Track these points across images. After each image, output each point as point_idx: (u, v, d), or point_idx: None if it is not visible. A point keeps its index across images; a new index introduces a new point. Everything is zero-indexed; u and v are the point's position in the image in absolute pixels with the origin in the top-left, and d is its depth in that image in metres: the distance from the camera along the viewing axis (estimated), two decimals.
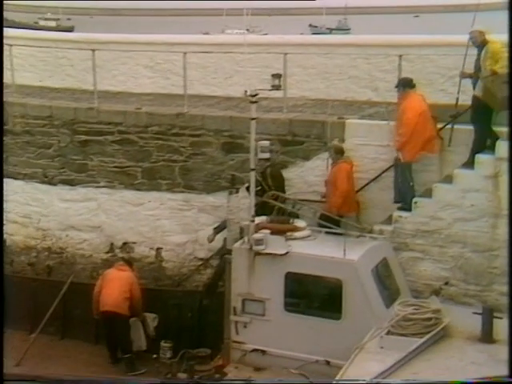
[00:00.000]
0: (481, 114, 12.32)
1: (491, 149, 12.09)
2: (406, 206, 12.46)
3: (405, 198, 12.61)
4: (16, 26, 68.66)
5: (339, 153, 13.01)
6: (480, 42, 12.49)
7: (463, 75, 12.71)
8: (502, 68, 11.94)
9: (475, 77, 12.48)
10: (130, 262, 14.05)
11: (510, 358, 4.41)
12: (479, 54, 12.47)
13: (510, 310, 7.58)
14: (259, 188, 12.55)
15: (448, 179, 12.43)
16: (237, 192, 13.12)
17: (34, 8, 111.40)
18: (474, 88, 12.51)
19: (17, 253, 16.37)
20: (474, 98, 12.40)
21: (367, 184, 13.19)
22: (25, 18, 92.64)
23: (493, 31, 12.69)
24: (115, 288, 13.26)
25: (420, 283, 12.35)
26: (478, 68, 12.47)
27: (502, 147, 11.62)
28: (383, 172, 13.05)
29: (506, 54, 11.82)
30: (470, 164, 12.25)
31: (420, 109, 12.54)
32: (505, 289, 11.77)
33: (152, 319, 13.58)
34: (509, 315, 7.24)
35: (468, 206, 12.04)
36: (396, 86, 13.07)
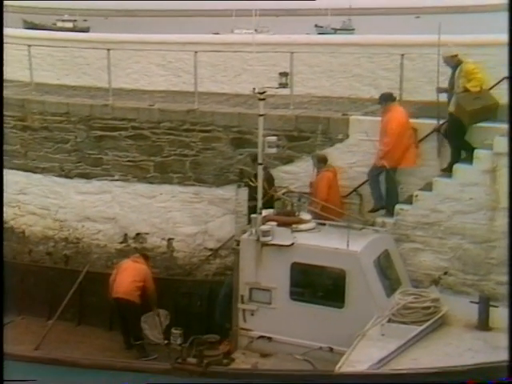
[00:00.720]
0: (454, 128, 12.51)
1: (468, 159, 12.28)
2: (391, 211, 12.47)
3: (391, 203, 12.62)
4: (35, 27, 69.01)
5: (322, 161, 13.11)
6: (454, 63, 12.70)
7: (439, 90, 12.88)
8: (474, 87, 12.30)
9: (450, 93, 12.66)
10: (146, 256, 13.98)
11: (510, 358, 4.30)
12: (453, 73, 12.66)
13: (510, 309, 7.41)
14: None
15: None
16: (245, 186, 13.13)
17: (52, 10, 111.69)
18: (448, 104, 12.65)
19: (35, 243, 16.43)
20: (449, 114, 12.58)
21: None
22: (43, 19, 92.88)
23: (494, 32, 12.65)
24: (128, 276, 13.26)
25: (420, 273, 12.32)
26: (451, 85, 12.66)
27: (499, 143, 11.59)
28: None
29: (478, 75, 12.31)
30: (448, 171, 12.42)
31: (402, 120, 12.66)
32: (502, 278, 11.78)
33: (164, 316, 13.58)
34: (509, 314, 7.10)
35: (467, 199, 12.00)
36: (379, 102, 13.15)
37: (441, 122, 12.73)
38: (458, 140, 12.49)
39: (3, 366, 6.61)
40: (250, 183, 12.87)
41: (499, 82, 12.28)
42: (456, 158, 12.44)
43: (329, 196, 12.79)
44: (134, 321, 13.33)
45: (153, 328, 13.40)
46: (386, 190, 12.88)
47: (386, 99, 12.93)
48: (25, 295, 15.16)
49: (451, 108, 12.50)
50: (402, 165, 12.63)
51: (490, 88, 12.68)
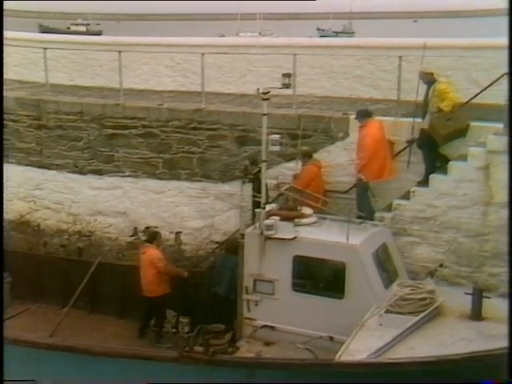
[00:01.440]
0: (427, 143, 12.55)
1: (443, 170, 12.35)
2: (368, 219, 12.37)
3: (365, 212, 12.55)
4: (50, 31, 69.08)
5: (307, 156, 13.12)
6: (428, 81, 12.70)
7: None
8: (446, 106, 12.35)
9: (424, 109, 12.69)
10: (150, 238, 13.79)
11: (509, 358, 4.24)
12: (428, 90, 12.68)
13: (510, 307, 7.34)
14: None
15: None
16: (249, 182, 13.12)
17: (66, 15, 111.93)
18: (422, 119, 12.67)
19: (50, 235, 16.48)
20: (422, 129, 12.58)
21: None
22: (58, 24, 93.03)
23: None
24: (144, 274, 13.31)
25: (417, 265, 12.33)
26: (425, 102, 12.67)
27: (492, 141, 11.59)
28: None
29: (450, 94, 12.32)
30: (424, 183, 12.46)
31: (377, 136, 12.62)
32: (494, 270, 11.83)
33: (172, 316, 13.63)
34: (509, 313, 7.02)
35: (461, 194, 11.99)
36: (356, 118, 13.09)
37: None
38: (431, 153, 12.54)
39: (3, 366, 6.45)
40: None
41: (498, 79, 12.19)
42: (431, 170, 12.48)
43: (312, 188, 12.74)
44: (161, 309, 13.42)
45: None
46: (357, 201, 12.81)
47: (363, 115, 12.90)
48: (40, 285, 15.22)
49: (425, 125, 12.53)
50: (378, 179, 12.53)
51: (487, 87, 12.65)
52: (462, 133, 12.37)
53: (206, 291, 13.56)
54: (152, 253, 13.38)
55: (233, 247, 12.93)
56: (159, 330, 13.36)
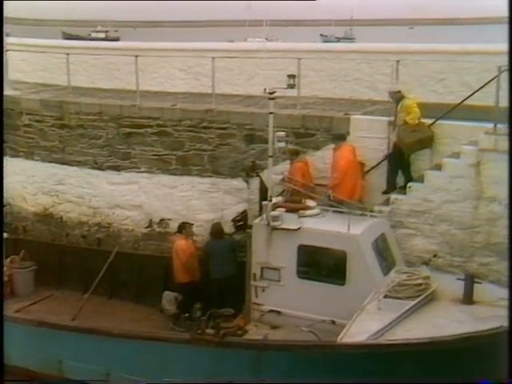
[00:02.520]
0: (396, 155, 12.63)
1: (403, 188, 12.45)
2: None
3: None
4: (72, 37, 69.11)
5: (294, 154, 13.08)
6: (397, 98, 12.79)
7: (390, 124, 12.93)
8: (412, 119, 12.43)
9: (394, 124, 12.80)
10: (179, 229, 13.91)
11: (509, 359, 4.20)
12: (396, 107, 12.75)
13: (510, 304, 7.34)
14: None
15: (438, 167, 12.36)
16: (257, 177, 13.14)
17: (87, 23, 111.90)
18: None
19: (72, 227, 16.49)
20: (393, 143, 12.71)
21: (368, 171, 13.12)
22: (80, 31, 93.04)
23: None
24: (174, 262, 13.45)
25: (413, 255, 12.30)
26: (395, 118, 12.75)
27: (484, 140, 11.59)
28: (382, 161, 12.97)
29: (416, 109, 12.39)
30: (387, 193, 12.68)
31: (350, 158, 12.72)
32: (484, 260, 11.83)
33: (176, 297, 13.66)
34: (509, 311, 7.03)
35: (454, 189, 11.97)
36: (332, 141, 13.17)
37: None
38: (399, 166, 12.63)
39: (3, 365, 6.33)
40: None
41: (488, 82, 12.18)
42: (392, 187, 12.70)
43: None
44: (184, 295, 13.39)
45: (170, 304, 13.47)
46: None
47: (338, 139, 13.01)
48: (63, 272, 15.29)
49: (393, 138, 12.67)
50: (350, 198, 12.38)
51: (478, 89, 12.64)
52: (427, 143, 12.51)
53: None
54: (178, 244, 13.50)
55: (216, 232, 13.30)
56: (179, 313, 13.30)
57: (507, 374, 4.84)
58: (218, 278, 12.96)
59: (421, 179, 12.42)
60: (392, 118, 12.84)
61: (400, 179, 12.81)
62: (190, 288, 13.35)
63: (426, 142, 12.47)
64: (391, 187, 12.80)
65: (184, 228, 13.86)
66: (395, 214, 12.38)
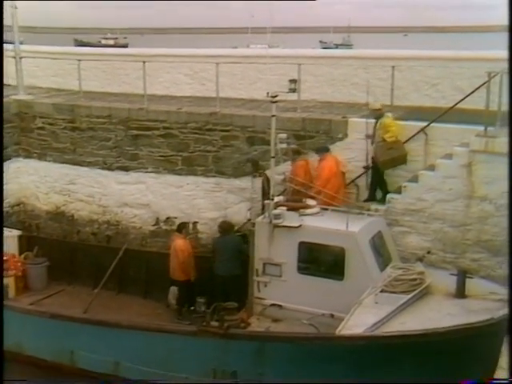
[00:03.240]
0: (375, 170, 12.79)
1: (381, 201, 12.60)
2: None
3: None
4: (83, 44, 69.17)
5: (296, 153, 13.12)
6: (376, 115, 12.89)
7: (367, 136, 13.03)
8: (390, 137, 12.55)
9: (371, 140, 12.92)
10: (179, 229, 13.92)
11: (509, 359, 4.17)
12: (376, 123, 12.83)
13: (510, 304, 7.35)
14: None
15: (431, 167, 12.39)
16: (259, 176, 13.14)
17: (98, 30, 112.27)
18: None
19: (83, 225, 16.51)
20: (372, 157, 12.86)
21: (366, 171, 13.15)
22: (90, 38, 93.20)
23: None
24: (171, 260, 13.42)
25: (407, 252, 12.33)
26: (373, 134, 12.85)
27: (475, 142, 11.62)
28: (362, 174, 13.05)
29: (393, 128, 12.53)
30: (367, 201, 12.88)
31: (333, 168, 12.86)
32: (475, 256, 11.85)
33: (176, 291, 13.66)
34: (509, 311, 7.03)
35: (447, 189, 12.00)
36: (316, 152, 13.25)
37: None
38: (377, 180, 12.76)
39: (3, 366, 6.27)
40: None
41: (479, 87, 12.20)
42: (371, 198, 12.88)
43: (305, 180, 12.83)
44: (183, 291, 13.39)
45: (173, 298, 13.51)
46: None
47: (322, 150, 13.17)
48: (74, 268, 15.29)
49: (372, 153, 12.80)
50: (331, 204, 12.31)
51: (470, 93, 12.66)
52: (401, 161, 12.65)
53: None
54: (178, 243, 13.48)
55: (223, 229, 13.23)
56: (179, 308, 13.38)
57: (507, 374, 4.77)
58: (221, 275, 12.93)
59: (415, 179, 12.45)
60: (370, 133, 12.89)
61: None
62: (186, 286, 13.34)
63: (401, 159, 12.64)
64: (371, 197, 12.96)
65: (184, 228, 13.89)
66: (391, 213, 12.41)
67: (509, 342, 4.71)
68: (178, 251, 13.37)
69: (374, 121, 12.97)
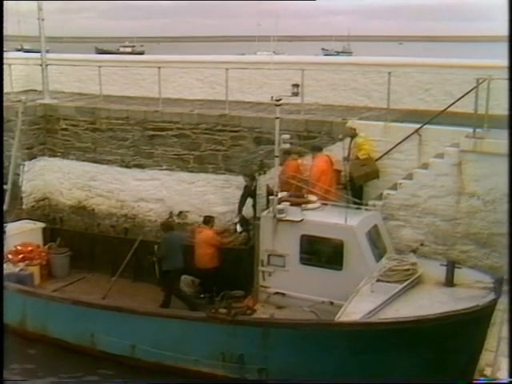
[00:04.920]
0: (351, 183, 12.76)
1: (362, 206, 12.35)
2: None
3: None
4: (103, 52, 69.35)
5: (286, 153, 12.80)
6: (351, 135, 12.93)
7: (344, 158, 12.88)
8: (362, 155, 12.63)
9: (346, 158, 12.87)
10: (205, 221, 13.86)
11: (510, 359, 4.13)
12: (350, 142, 12.86)
13: (510, 305, 7.27)
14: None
15: (424, 166, 12.35)
16: (264, 174, 13.11)
17: (116, 39, 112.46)
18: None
19: (102, 218, 16.50)
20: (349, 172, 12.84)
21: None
22: (110, 46, 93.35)
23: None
24: (199, 250, 13.30)
25: (402, 244, 12.31)
26: (348, 152, 12.85)
27: (464, 142, 11.60)
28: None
29: (366, 146, 12.64)
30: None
31: (323, 167, 12.75)
32: (464, 248, 11.86)
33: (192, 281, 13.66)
34: (509, 312, 6.97)
35: (439, 186, 11.97)
36: (310, 151, 13.20)
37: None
38: (353, 193, 12.64)
39: (3, 366, 6.20)
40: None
41: (468, 92, 12.12)
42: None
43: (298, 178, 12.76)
44: (211, 280, 13.18)
45: (188, 286, 13.50)
46: None
47: (314, 149, 13.13)
48: (94, 257, 15.30)
49: (347, 170, 12.83)
50: (324, 199, 12.24)
51: (460, 98, 12.58)
52: (374, 176, 12.70)
53: (228, 263, 13.47)
54: (207, 233, 13.43)
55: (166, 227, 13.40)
56: (210, 296, 13.11)
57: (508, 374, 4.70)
58: (166, 270, 12.88)
59: (410, 177, 12.43)
60: (346, 153, 12.78)
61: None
62: (212, 273, 13.19)
63: (373, 174, 12.70)
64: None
65: (209, 221, 13.85)
66: (387, 208, 12.38)
67: (508, 342, 4.63)
68: (210, 239, 13.33)
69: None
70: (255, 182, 13.63)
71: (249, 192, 13.59)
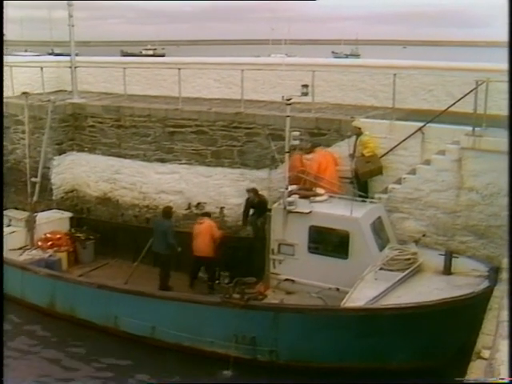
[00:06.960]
0: (356, 179, 12.50)
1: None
2: None
3: None
4: (128, 54, 69.50)
5: (293, 149, 12.59)
6: (356, 133, 12.81)
7: (351, 156, 12.75)
8: (368, 153, 12.50)
9: (352, 156, 12.75)
10: (207, 214, 14.03)
11: (510, 359, 4.09)
12: (356, 140, 12.75)
13: (509, 302, 7.30)
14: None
15: (427, 162, 12.29)
16: (276, 168, 13.06)
17: (139, 42, 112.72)
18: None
19: (126, 209, 16.56)
20: (354, 169, 12.66)
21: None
22: (134, 49, 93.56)
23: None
24: (201, 239, 13.31)
25: (406, 235, 12.27)
26: (354, 150, 12.74)
27: (464, 140, 11.53)
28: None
29: (371, 144, 12.49)
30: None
31: (320, 161, 12.68)
32: (463, 239, 11.79)
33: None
34: (509, 309, 7.01)
35: (440, 181, 11.92)
36: (310, 147, 13.06)
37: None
38: (358, 186, 12.37)
39: (3, 366, 6.17)
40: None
41: (468, 93, 12.02)
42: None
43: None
44: (213, 267, 13.42)
45: (204, 272, 13.56)
46: None
47: (315, 146, 13.03)
48: (117, 245, 15.36)
49: (353, 166, 12.65)
50: (329, 191, 12.19)
51: (460, 98, 12.48)
52: (378, 172, 12.60)
53: (241, 252, 13.52)
54: (210, 223, 13.48)
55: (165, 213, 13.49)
56: (212, 283, 13.34)
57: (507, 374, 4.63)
58: (155, 251, 13.14)
59: (413, 172, 12.38)
60: (352, 150, 12.69)
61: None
62: (215, 261, 13.33)
63: (377, 171, 12.62)
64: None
65: (210, 215, 13.96)
66: (392, 201, 12.36)
67: (509, 341, 4.58)
68: (214, 229, 13.37)
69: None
70: (257, 197, 13.47)
71: (251, 205, 13.52)
